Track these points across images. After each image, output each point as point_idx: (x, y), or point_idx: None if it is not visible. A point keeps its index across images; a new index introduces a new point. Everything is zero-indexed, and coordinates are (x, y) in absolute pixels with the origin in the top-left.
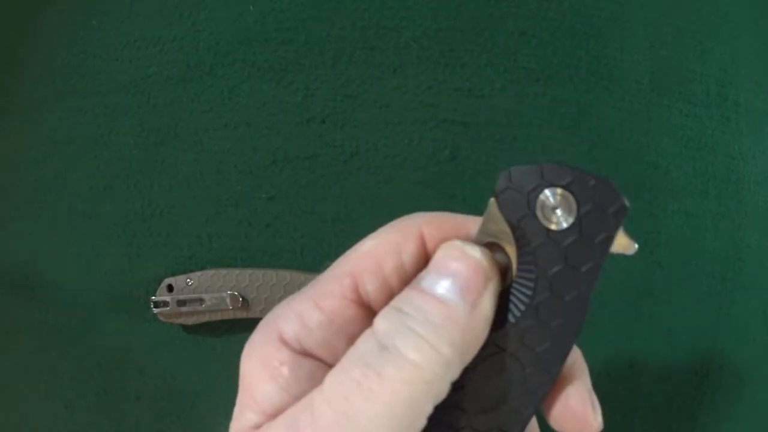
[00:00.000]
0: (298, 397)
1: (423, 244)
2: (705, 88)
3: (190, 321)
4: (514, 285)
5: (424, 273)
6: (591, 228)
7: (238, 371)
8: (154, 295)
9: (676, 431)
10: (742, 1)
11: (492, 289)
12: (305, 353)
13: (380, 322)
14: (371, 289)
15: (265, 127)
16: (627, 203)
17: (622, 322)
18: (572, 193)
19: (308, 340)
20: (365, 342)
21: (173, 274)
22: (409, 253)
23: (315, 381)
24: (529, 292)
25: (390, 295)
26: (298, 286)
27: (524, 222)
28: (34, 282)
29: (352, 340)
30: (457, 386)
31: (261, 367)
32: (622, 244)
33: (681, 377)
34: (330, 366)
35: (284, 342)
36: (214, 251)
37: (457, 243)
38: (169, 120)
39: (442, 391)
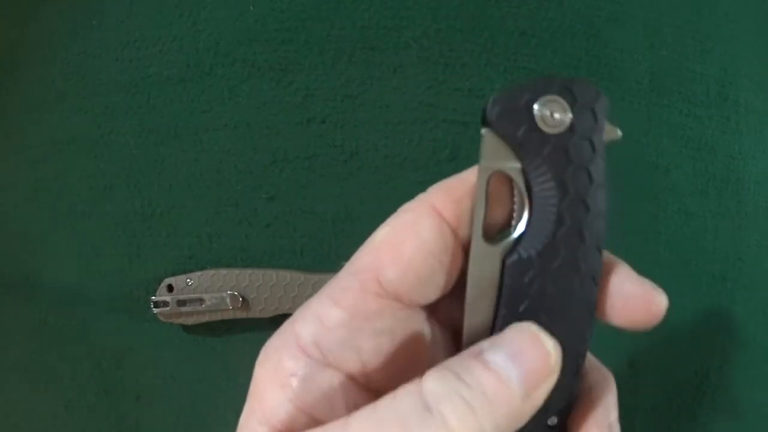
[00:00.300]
0: (307, 411)
1: (439, 216)
2: (705, 88)
3: (190, 321)
4: (534, 202)
5: (488, 345)
6: (585, 124)
7: (238, 371)
8: (154, 295)
9: (676, 431)
10: (742, 1)
11: (551, 383)
12: (324, 362)
13: (431, 382)
14: (394, 276)
15: (265, 127)
16: (605, 96)
17: None
18: (562, 96)
19: (327, 341)
20: (408, 396)
21: (173, 274)
22: (427, 228)
23: (328, 395)
24: (554, 200)
25: (416, 277)
26: (298, 286)
27: (528, 134)
28: (34, 282)
29: (377, 337)
30: None
31: (272, 376)
32: (609, 131)
33: (681, 377)
34: (351, 375)
35: (301, 348)
36: (214, 251)
37: (534, 328)
38: (169, 120)
39: None
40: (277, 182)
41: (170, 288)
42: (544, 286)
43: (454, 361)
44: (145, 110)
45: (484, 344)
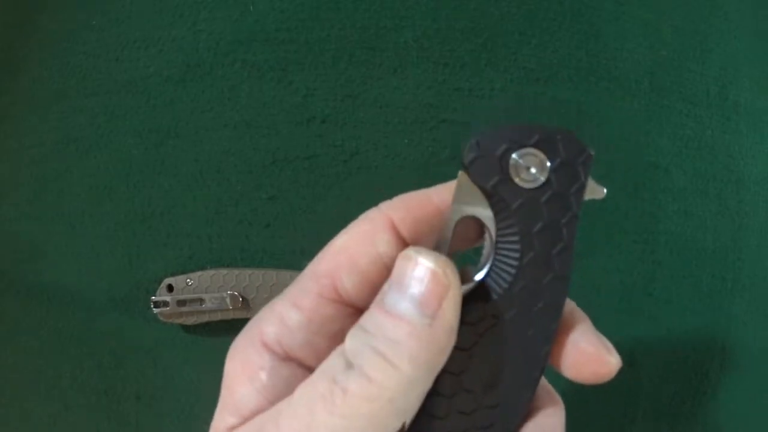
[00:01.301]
0: (274, 402)
1: (396, 230)
2: (705, 88)
3: (190, 321)
4: (498, 252)
5: (386, 287)
6: (564, 180)
7: None
8: (154, 295)
9: (676, 431)
10: (742, 1)
11: (453, 297)
12: (287, 357)
13: (348, 340)
14: (350, 285)
15: (265, 127)
16: (592, 152)
17: (622, 322)
18: (542, 150)
19: (289, 341)
20: (335, 358)
21: (173, 274)
22: (384, 242)
23: (292, 387)
24: (516, 254)
25: (371, 288)
26: None
27: (499, 186)
28: (34, 282)
29: (333, 339)
30: (458, 369)
31: (241, 370)
32: (593, 190)
33: (681, 377)
34: (311, 369)
35: (265, 345)
36: (214, 251)
37: (411, 252)
38: (169, 120)
39: (410, 405)
40: (277, 182)
41: (170, 288)
42: (496, 334)
43: (364, 316)
44: (145, 110)
45: (384, 287)
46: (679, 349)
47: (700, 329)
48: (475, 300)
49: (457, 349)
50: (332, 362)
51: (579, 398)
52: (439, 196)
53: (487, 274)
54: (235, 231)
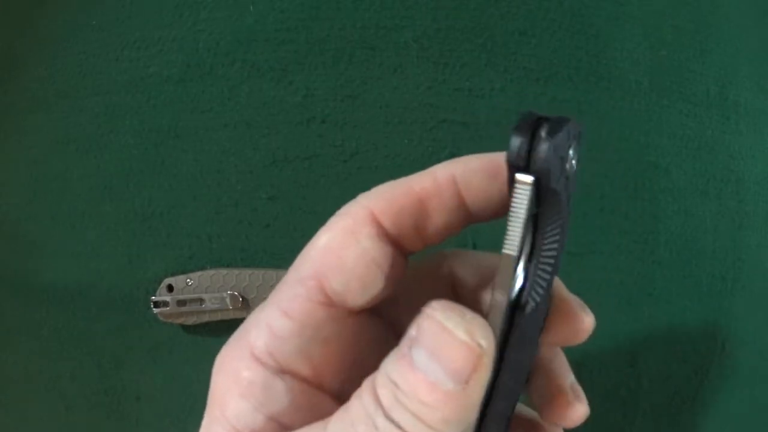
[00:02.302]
0: (271, 418)
1: (377, 222)
2: (705, 88)
3: (190, 321)
4: (536, 254)
5: (412, 342)
6: (575, 168)
7: None
8: (154, 295)
9: (675, 431)
10: (742, 1)
11: (486, 364)
12: (280, 369)
13: (380, 389)
14: (338, 286)
15: (265, 127)
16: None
17: (622, 322)
18: (578, 140)
19: (281, 351)
20: (370, 401)
21: (173, 274)
22: (367, 236)
23: (289, 400)
24: (553, 252)
25: (361, 285)
26: None
27: (562, 184)
28: (34, 282)
29: (327, 344)
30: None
31: (233, 385)
32: None
33: (681, 377)
34: (306, 380)
35: (256, 359)
36: (214, 251)
37: (439, 317)
38: (169, 120)
39: None
40: (277, 182)
41: (170, 288)
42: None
43: (390, 362)
44: (145, 110)
45: (409, 337)
46: (679, 350)
47: (700, 329)
48: (524, 306)
49: None
50: (368, 406)
51: None
52: (420, 184)
53: (526, 279)
54: (235, 231)
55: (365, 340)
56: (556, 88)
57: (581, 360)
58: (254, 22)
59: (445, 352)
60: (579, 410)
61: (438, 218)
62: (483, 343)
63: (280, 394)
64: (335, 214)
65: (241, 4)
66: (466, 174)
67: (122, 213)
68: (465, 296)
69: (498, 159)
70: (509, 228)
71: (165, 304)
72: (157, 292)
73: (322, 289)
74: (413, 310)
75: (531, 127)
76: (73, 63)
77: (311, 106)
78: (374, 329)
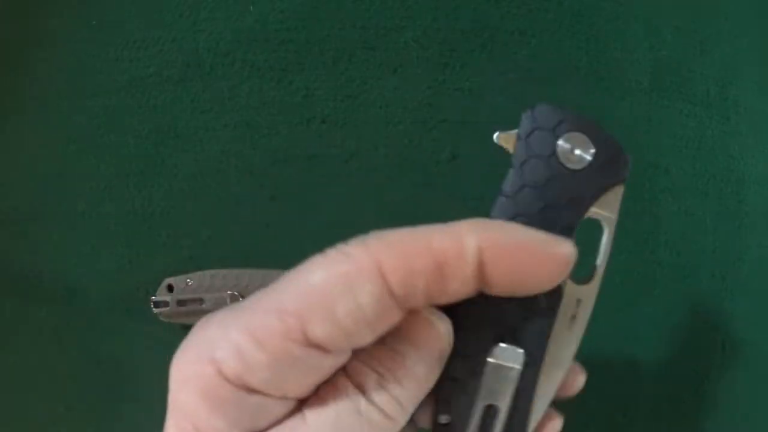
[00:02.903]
0: (245, 430)
1: (382, 279)
2: (705, 88)
3: (190, 321)
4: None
5: (409, 346)
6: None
7: None
8: (154, 295)
9: (676, 431)
10: (742, 1)
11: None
12: (249, 390)
13: (373, 393)
14: (321, 333)
15: (265, 127)
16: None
17: (622, 322)
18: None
19: (251, 379)
20: (353, 394)
21: (173, 274)
22: (367, 293)
23: (261, 414)
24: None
25: (345, 337)
26: None
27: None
28: (34, 282)
29: (302, 375)
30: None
31: (202, 400)
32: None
33: (681, 377)
34: (278, 398)
35: (224, 377)
36: (214, 251)
37: (435, 321)
38: (169, 120)
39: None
40: (277, 182)
41: (170, 288)
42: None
43: (380, 364)
44: (145, 110)
45: (405, 348)
46: (679, 350)
47: (700, 329)
48: None
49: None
50: (338, 383)
51: (579, 398)
52: (441, 243)
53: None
54: (235, 231)
55: (334, 369)
56: (556, 88)
57: (581, 360)
58: (254, 22)
59: (429, 345)
60: (582, 379)
61: (452, 286)
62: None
63: (253, 410)
64: (338, 249)
65: (241, 4)
66: (495, 251)
67: (122, 213)
68: None
69: (528, 244)
70: None
71: (165, 304)
72: (157, 292)
73: (302, 331)
74: None
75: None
76: (73, 63)
77: (311, 106)
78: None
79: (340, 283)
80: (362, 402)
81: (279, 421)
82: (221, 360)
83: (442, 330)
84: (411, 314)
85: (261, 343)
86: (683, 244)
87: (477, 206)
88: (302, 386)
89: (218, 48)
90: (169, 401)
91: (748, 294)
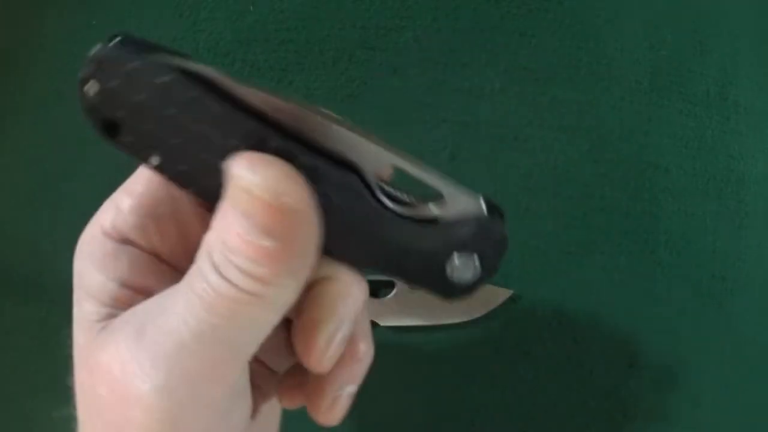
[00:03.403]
0: (122, 284)
1: None
2: (705, 88)
3: None
4: None
5: (226, 201)
6: None
7: None
8: None
9: (676, 431)
10: (742, 1)
11: (302, 221)
12: (123, 240)
13: (214, 252)
14: None
15: None
16: None
17: (622, 322)
18: None
19: (122, 224)
20: (206, 264)
21: None
22: None
23: (135, 268)
24: None
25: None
26: None
27: None
28: (34, 282)
29: (159, 220)
30: None
31: (89, 262)
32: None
33: (681, 377)
34: (145, 249)
35: (105, 233)
36: None
37: (243, 176)
38: None
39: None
40: None
41: None
42: None
43: (218, 228)
44: None
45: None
46: (679, 350)
47: (700, 329)
48: None
49: None
50: (202, 266)
51: (579, 398)
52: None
53: None
54: None
55: (195, 219)
56: (556, 88)
57: (581, 360)
58: (254, 22)
59: (252, 212)
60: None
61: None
62: (288, 200)
63: (126, 263)
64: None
65: (241, 4)
66: None
67: None
68: None
69: None
70: None
71: None
72: None
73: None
74: None
75: None
76: (73, 63)
77: None
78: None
79: None
80: (213, 275)
81: (151, 283)
82: (103, 219)
83: (264, 196)
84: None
85: (130, 192)
86: (683, 244)
87: None
88: (164, 235)
89: (218, 48)
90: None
91: (748, 294)
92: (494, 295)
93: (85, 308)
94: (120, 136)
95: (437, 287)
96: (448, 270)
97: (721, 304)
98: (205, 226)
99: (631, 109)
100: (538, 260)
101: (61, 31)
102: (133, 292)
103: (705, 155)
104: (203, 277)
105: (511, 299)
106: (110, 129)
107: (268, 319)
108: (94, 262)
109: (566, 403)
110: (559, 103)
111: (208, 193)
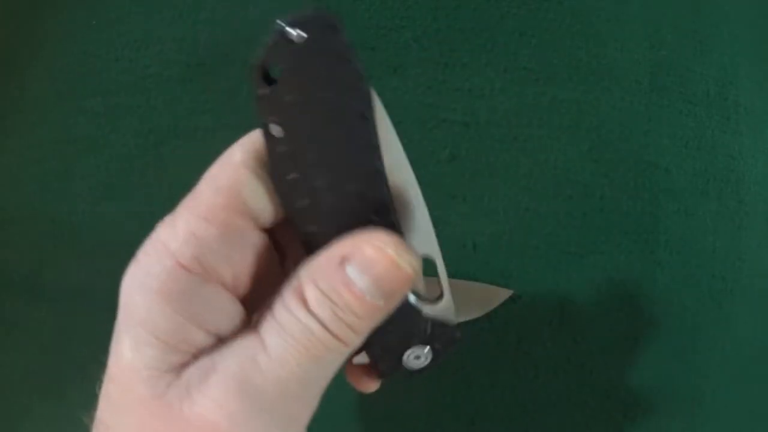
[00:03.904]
0: (200, 327)
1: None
2: (705, 88)
3: None
4: None
5: (349, 255)
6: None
7: None
8: None
9: (675, 431)
10: (742, 1)
11: (409, 284)
12: (204, 275)
13: (309, 294)
14: (254, 200)
15: None
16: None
17: (622, 322)
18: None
19: (209, 258)
20: (299, 310)
21: None
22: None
23: (215, 307)
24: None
25: (275, 203)
26: None
27: None
28: (34, 282)
29: (245, 251)
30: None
31: (157, 295)
32: None
33: (681, 377)
34: (229, 287)
35: (182, 267)
36: None
37: (381, 245)
38: (169, 120)
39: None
40: None
41: None
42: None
43: (317, 269)
44: (145, 110)
45: (345, 251)
46: (679, 350)
47: (700, 329)
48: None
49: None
50: (298, 313)
51: (579, 398)
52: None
53: None
54: None
55: (267, 251)
56: (556, 88)
57: (581, 360)
58: (254, 22)
59: (385, 277)
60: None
61: None
62: (411, 272)
63: (205, 302)
64: (250, 135)
65: (241, 4)
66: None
67: (122, 213)
68: None
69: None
70: None
71: None
72: None
73: (242, 200)
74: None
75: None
76: (73, 63)
77: None
78: (266, 242)
79: (262, 156)
80: (315, 324)
81: (235, 331)
82: (177, 250)
83: (409, 270)
84: (376, 250)
85: (208, 219)
86: (683, 244)
87: (477, 206)
88: (247, 269)
89: (218, 48)
90: (119, 314)
91: (748, 294)
92: (494, 295)
93: (146, 354)
94: (272, 90)
95: (386, 364)
96: (405, 357)
97: (721, 304)
98: (271, 260)
99: (631, 109)
100: (538, 260)
101: (61, 31)
102: (205, 334)
103: (705, 155)
104: (304, 325)
105: (511, 299)
106: (269, 77)
107: (343, 360)
108: (168, 299)
109: (566, 403)
110: (559, 103)
111: (309, 214)
